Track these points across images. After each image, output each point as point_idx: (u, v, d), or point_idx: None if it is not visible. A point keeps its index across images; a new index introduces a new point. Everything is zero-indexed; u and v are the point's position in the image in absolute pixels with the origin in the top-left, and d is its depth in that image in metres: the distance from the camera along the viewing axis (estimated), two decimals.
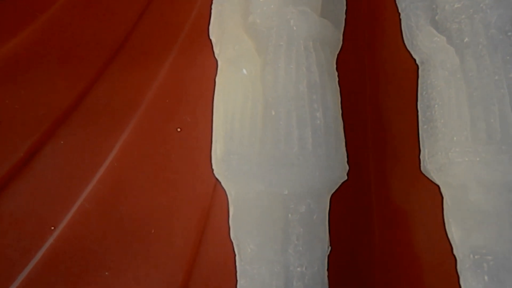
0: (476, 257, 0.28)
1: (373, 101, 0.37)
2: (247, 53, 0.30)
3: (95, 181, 0.34)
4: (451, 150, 0.29)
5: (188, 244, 0.33)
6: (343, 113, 0.31)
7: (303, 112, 0.28)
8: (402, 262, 0.34)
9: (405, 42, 0.34)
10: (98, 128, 0.35)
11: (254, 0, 0.31)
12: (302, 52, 0.29)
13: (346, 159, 0.29)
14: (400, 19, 0.35)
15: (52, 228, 0.33)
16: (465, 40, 0.30)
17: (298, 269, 0.27)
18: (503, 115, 0.28)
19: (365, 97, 0.37)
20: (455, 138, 0.29)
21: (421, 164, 0.32)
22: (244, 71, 0.30)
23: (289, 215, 0.28)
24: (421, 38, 0.32)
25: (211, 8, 0.35)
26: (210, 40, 0.33)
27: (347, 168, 0.30)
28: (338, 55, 0.32)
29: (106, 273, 0.33)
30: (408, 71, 0.36)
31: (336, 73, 0.31)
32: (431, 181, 0.32)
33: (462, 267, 0.29)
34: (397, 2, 0.34)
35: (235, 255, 0.29)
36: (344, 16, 0.34)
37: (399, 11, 0.35)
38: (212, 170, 0.31)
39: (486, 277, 0.27)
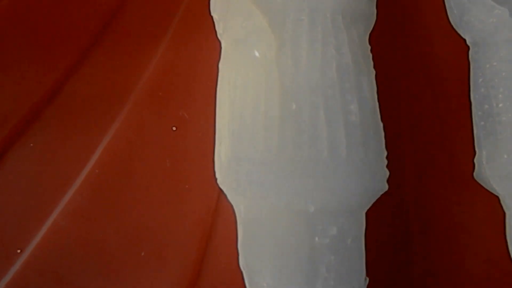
0: None
1: (407, 91, 0.30)
2: (258, 31, 0.24)
3: (72, 192, 0.28)
4: None
5: (186, 272, 0.27)
6: None
7: (333, 105, 0.22)
8: None
9: (451, 18, 0.28)
10: (76, 127, 0.29)
11: None
12: (330, 28, 0.23)
13: (386, 163, 0.23)
14: None
15: (19, 251, 0.27)
16: None
17: None
18: None
19: (398, 87, 0.30)
20: None
21: (476, 170, 0.26)
22: (256, 53, 0.23)
23: (317, 238, 0.22)
24: (475, 12, 0.26)
25: None
26: (212, 17, 0.27)
27: (388, 174, 0.23)
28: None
29: None
30: (453, 54, 0.29)
31: (371, 56, 0.24)
32: (488, 190, 0.26)
33: None
34: None
35: None
36: None
37: None
38: (215, 179, 0.25)
39: None
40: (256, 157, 0.22)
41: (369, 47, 0.24)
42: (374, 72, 0.24)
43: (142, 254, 0.27)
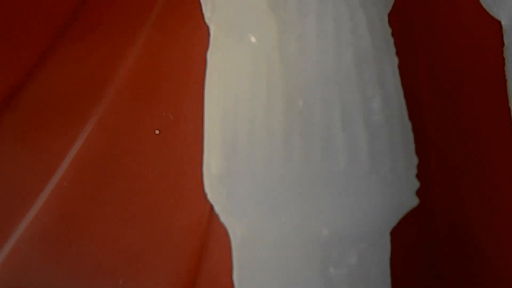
0: None
1: (430, 84, 0.26)
2: (255, 12, 0.19)
3: (36, 210, 0.23)
4: None
5: None
6: None
7: (351, 101, 0.17)
8: None
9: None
10: (40, 133, 0.24)
11: None
12: (343, 6, 0.19)
13: (416, 172, 0.18)
14: None
15: None
16: None
17: None
18: None
19: (419, 79, 0.26)
20: None
21: None
22: (253, 39, 0.19)
23: (332, 269, 0.17)
24: None
25: None
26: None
27: (418, 185, 0.19)
28: None
29: None
30: (486, 40, 0.25)
31: (393, 40, 0.20)
32: None
33: None
34: None
35: None
36: None
37: None
38: (205, 194, 0.20)
39: None
40: (255, 170, 0.17)
41: (390, 30, 0.20)
42: (397, 60, 0.19)
43: (120, 283, 0.23)
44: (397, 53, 0.21)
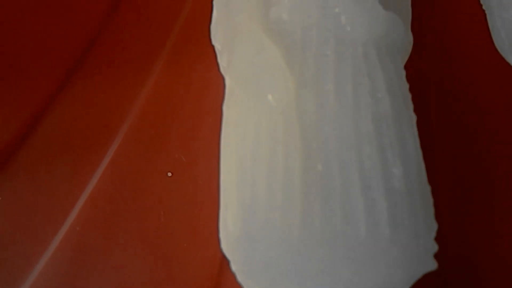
0: None
1: (442, 125, 0.26)
2: (273, 68, 0.19)
3: (48, 256, 0.23)
4: None
5: None
6: None
7: (371, 167, 0.17)
8: None
9: (497, 42, 0.24)
10: (51, 176, 0.24)
11: None
12: (362, 65, 0.18)
13: (434, 235, 0.18)
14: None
15: None
16: None
17: None
18: None
19: (431, 121, 0.26)
20: None
21: None
22: (270, 97, 0.19)
23: None
24: None
25: None
26: (213, 46, 0.22)
27: (436, 248, 0.18)
28: None
29: None
30: (501, 84, 0.25)
31: (410, 96, 0.20)
32: None
33: None
34: None
35: None
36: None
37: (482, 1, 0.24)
38: (220, 246, 0.20)
39: None
40: (273, 235, 0.17)
41: (408, 85, 0.20)
42: (415, 117, 0.19)
43: None
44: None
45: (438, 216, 0.21)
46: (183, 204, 0.24)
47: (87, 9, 0.26)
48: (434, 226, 0.18)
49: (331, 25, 0.19)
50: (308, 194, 0.17)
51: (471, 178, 0.25)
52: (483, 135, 0.25)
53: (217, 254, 0.24)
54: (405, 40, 0.20)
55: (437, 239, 0.21)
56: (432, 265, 0.18)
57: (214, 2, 0.23)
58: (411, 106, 0.19)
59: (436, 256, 0.18)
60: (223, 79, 0.22)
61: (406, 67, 0.21)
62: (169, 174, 0.25)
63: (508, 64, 0.24)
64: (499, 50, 0.24)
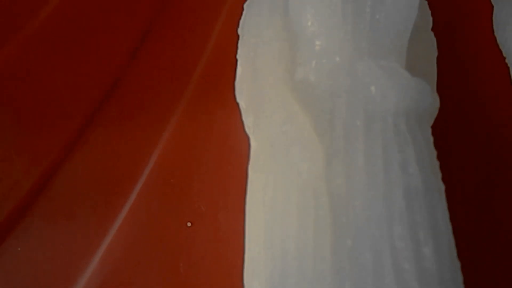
0: None
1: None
2: (303, 139, 0.19)
3: None
4: None
5: None
6: None
7: (402, 247, 0.17)
8: None
9: None
10: (70, 228, 0.24)
11: (304, 43, 0.20)
12: (392, 137, 0.18)
13: None
14: None
15: None
16: None
17: None
18: None
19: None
20: None
21: None
22: (300, 170, 0.18)
23: None
24: None
25: (236, 50, 0.23)
26: (238, 103, 0.22)
27: None
28: None
29: None
30: None
31: (439, 164, 0.20)
32: None
33: None
34: None
35: None
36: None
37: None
38: None
39: None
40: None
41: (435, 152, 0.20)
42: (443, 186, 0.19)
43: None
44: None
45: None
46: (203, 255, 0.24)
47: (106, 58, 0.25)
48: None
49: (361, 95, 0.19)
50: (338, 270, 0.17)
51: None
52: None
53: None
54: (434, 106, 0.20)
55: None
56: None
57: (239, 57, 0.23)
58: (439, 175, 0.19)
59: None
60: (246, 135, 0.22)
61: None
62: (189, 224, 0.25)
63: None
64: None
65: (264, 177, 0.19)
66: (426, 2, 0.23)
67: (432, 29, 0.23)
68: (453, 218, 0.18)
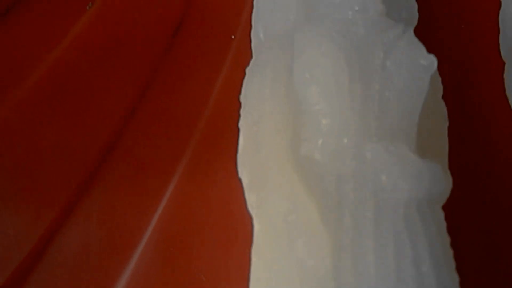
0: None
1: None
2: (309, 232, 0.18)
3: None
4: None
5: None
6: None
7: None
8: None
9: None
10: None
11: (309, 120, 0.19)
12: (403, 228, 0.17)
13: None
14: None
15: None
16: None
17: None
18: None
19: None
20: None
21: None
22: (306, 265, 0.17)
23: None
24: None
25: (237, 116, 0.22)
26: (240, 179, 0.21)
27: None
28: None
29: None
30: None
31: (452, 252, 0.19)
32: None
33: None
34: None
35: None
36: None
37: None
38: None
39: None
40: None
41: (449, 238, 0.19)
42: (458, 278, 0.18)
43: None
44: None
45: None
46: None
47: (102, 119, 0.24)
48: None
49: (370, 182, 0.18)
50: None
51: None
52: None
53: None
54: (447, 189, 0.19)
55: None
56: None
57: (241, 127, 0.22)
58: (453, 264, 0.18)
59: None
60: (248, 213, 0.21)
61: None
62: None
63: None
64: None
65: (268, 267, 0.18)
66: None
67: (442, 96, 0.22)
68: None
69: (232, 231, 0.24)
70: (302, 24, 0.21)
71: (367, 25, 0.20)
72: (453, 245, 0.18)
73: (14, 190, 0.23)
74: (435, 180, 0.18)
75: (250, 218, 0.20)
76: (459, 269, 0.18)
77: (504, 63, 0.25)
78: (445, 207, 0.19)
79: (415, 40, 0.20)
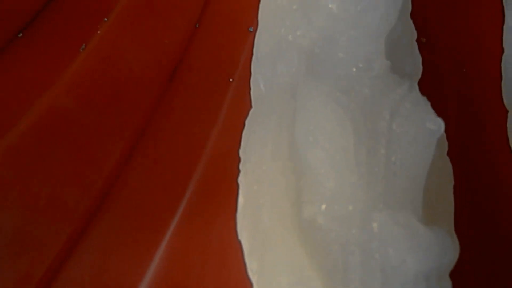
0: None
1: None
2: None
3: None
4: None
5: None
6: None
7: None
8: None
9: None
10: None
11: (312, 183, 0.18)
12: None
13: None
14: None
15: None
16: None
17: None
18: None
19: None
20: None
21: None
22: None
23: None
24: None
25: (238, 175, 0.22)
26: (239, 241, 0.21)
27: None
28: None
29: None
30: None
31: None
32: None
33: None
34: None
35: None
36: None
37: None
38: None
39: None
40: None
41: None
42: None
43: None
44: None
45: None
46: None
47: (96, 168, 0.23)
48: None
49: (377, 254, 0.17)
50: None
51: None
52: None
53: None
54: (454, 257, 0.18)
55: None
56: None
57: (240, 184, 0.21)
58: None
59: None
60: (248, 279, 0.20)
61: None
62: None
63: None
64: None
65: None
66: None
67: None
68: None
69: (228, 276, 0.23)
70: (304, 77, 0.21)
71: (372, 84, 0.19)
72: None
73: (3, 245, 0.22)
74: (444, 251, 0.18)
75: (250, 284, 0.20)
76: None
77: (507, 111, 0.25)
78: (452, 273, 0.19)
79: (421, 99, 0.20)
